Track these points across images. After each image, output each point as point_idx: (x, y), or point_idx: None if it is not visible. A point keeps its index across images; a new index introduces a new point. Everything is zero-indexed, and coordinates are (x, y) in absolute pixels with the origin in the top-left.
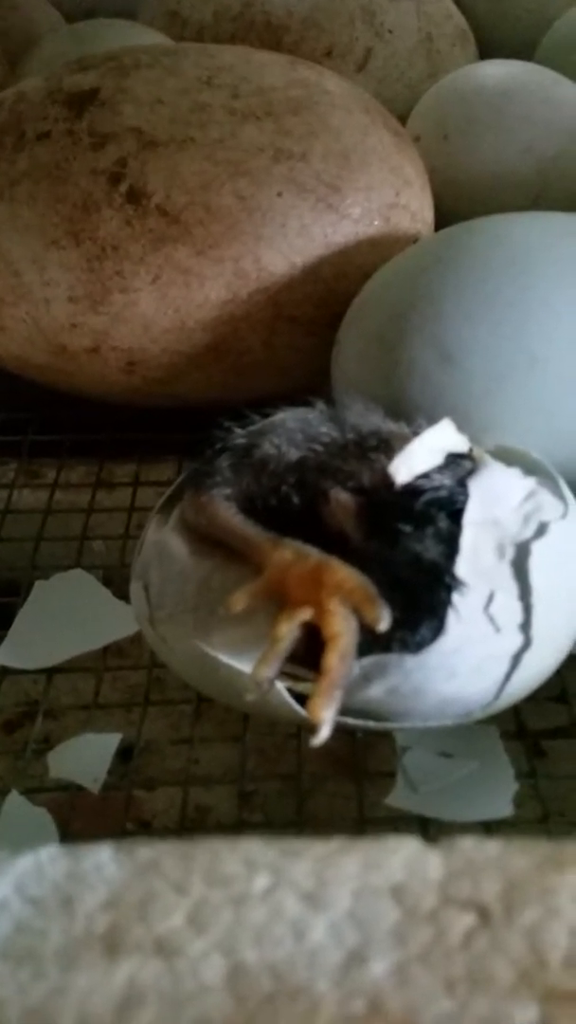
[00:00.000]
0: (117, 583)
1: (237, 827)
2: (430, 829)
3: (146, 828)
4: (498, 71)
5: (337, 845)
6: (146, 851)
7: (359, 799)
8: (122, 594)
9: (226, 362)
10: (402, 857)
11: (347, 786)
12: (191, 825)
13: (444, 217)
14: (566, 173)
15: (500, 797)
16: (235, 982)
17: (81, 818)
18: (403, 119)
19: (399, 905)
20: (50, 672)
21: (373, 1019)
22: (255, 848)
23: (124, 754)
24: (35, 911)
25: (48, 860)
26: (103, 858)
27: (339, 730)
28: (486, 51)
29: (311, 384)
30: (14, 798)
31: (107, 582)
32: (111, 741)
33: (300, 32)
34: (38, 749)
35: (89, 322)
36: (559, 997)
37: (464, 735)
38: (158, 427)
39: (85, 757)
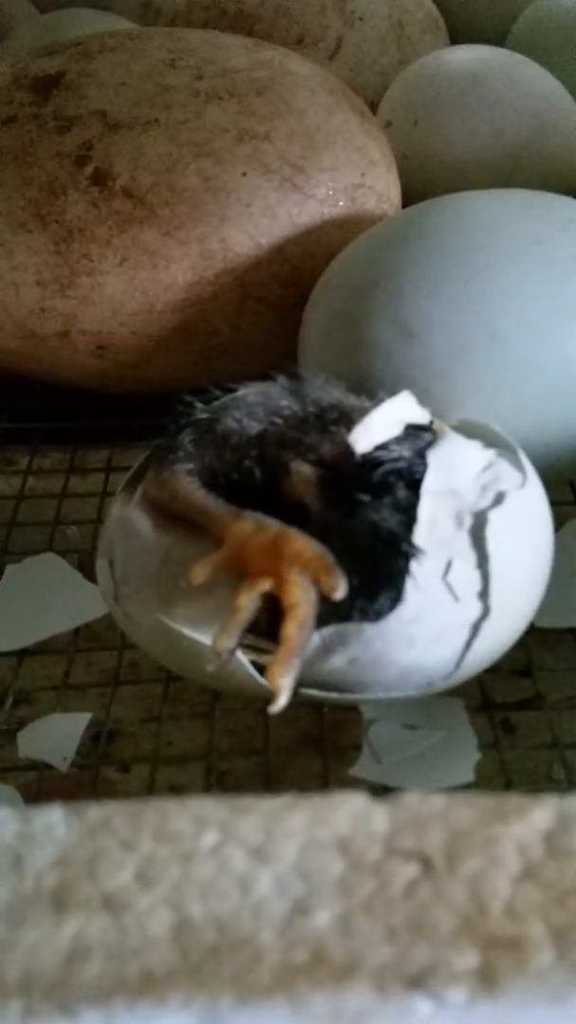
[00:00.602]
0: (91, 567)
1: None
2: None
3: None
4: (467, 55)
5: (286, 801)
6: (97, 811)
7: (325, 774)
8: (94, 577)
9: (195, 344)
10: (348, 811)
11: (316, 761)
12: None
13: (415, 201)
14: (536, 155)
15: (462, 766)
16: (180, 935)
17: (47, 798)
18: (374, 106)
19: (344, 857)
20: (21, 654)
21: (315, 967)
22: (205, 806)
23: (97, 736)
24: None
25: None
26: (54, 819)
27: (306, 704)
28: (457, 38)
29: (281, 365)
30: None
31: (80, 566)
32: (81, 720)
33: (271, 20)
34: (9, 730)
35: (58, 306)
36: (499, 944)
37: (430, 708)
38: (130, 414)
39: (55, 737)
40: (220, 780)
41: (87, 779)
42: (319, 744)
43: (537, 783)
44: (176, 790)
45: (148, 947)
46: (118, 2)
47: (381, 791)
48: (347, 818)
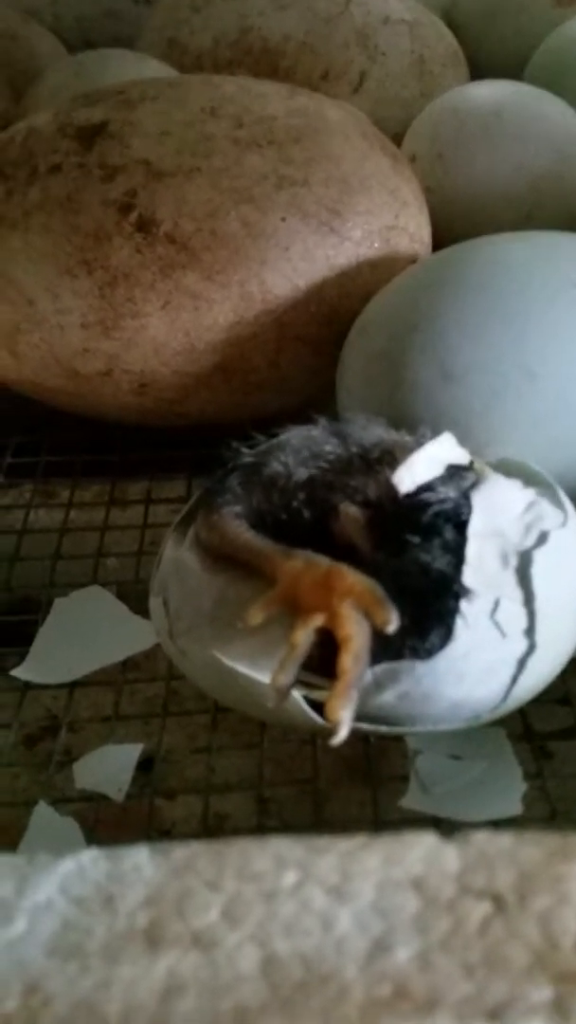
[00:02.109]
0: (132, 598)
1: (256, 832)
2: (442, 828)
3: (167, 836)
4: (489, 91)
5: (359, 842)
6: (181, 851)
7: (374, 802)
8: (138, 609)
9: (234, 381)
10: (420, 851)
11: (361, 790)
12: (210, 832)
13: (440, 233)
14: (557, 189)
15: (510, 797)
16: (269, 971)
17: (103, 827)
18: (398, 138)
19: (419, 896)
20: (72, 686)
21: (398, 1002)
22: (283, 846)
23: (143, 765)
24: (79, 910)
25: (89, 862)
26: (141, 859)
27: (353, 735)
28: (477, 71)
29: (316, 400)
30: (42, 809)
31: (122, 597)
32: (133, 752)
33: (296, 56)
34: (61, 761)
35: (101, 347)
36: (571, 978)
37: (473, 738)
38: (168, 446)
39: (108, 768)
40: (266, 808)
41: (136, 808)
42: (364, 773)
43: None
44: (222, 818)
45: (239, 983)
46: (144, 39)
47: (433, 823)
48: (419, 857)
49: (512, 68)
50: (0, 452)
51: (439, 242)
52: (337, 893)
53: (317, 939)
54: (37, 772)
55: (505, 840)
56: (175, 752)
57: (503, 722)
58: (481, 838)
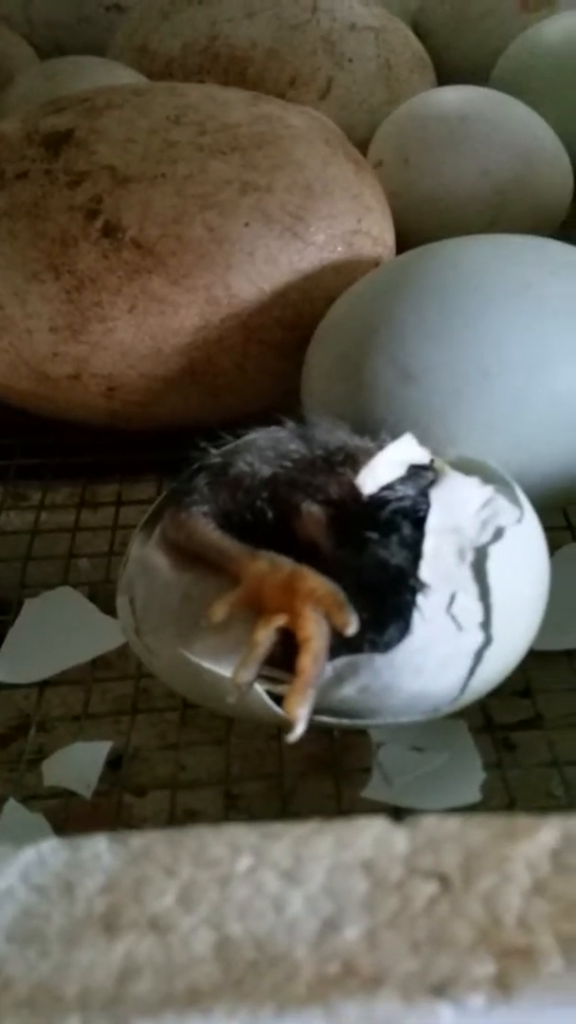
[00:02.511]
0: (103, 599)
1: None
2: (402, 817)
3: (124, 828)
4: (455, 96)
5: (312, 827)
6: (138, 840)
7: (337, 795)
8: (108, 609)
9: (201, 385)
10: (371, 835)
11: (326, 783)
12: (166, 825)
13: (407, 238)
14: (522, 193)
15: (468, 786)
16: (222, 953)
17: (73, 824)
18: (364, 144)
19: (368, 878)
20: (41, 685)
21: (347, 979)
22: (238, 833)
23: (113, 763)
24: (39, 897)
25: (49, 851)
26: (100, 848)
27: (317, 730)
28: (443, 76)
29: (283, 403)
30: (11, 805)
31: (93, 598)
32: (102, 749)
33: (264, 63)
34: (32, 759)
35: (70, 351)
36: (513, 953)
37: (435, 730)
38: (138, 449)
39: (77, 765)
40: (234, 803)
41: (106, 804)
42: (330, 767)
43: (539, 800)
44: (191, 813)
45: (193, 964)
46: (114, 46)
47: (393, 812)
48: (370, 841)
49: (478, 73)
50: None
51: (405, 246)
52: (289, 877)
53: (270, 921)
54: (9, 771)
55: (453, 823)
56: (144, 749)
57: (465, 715)
58: (430, 821)
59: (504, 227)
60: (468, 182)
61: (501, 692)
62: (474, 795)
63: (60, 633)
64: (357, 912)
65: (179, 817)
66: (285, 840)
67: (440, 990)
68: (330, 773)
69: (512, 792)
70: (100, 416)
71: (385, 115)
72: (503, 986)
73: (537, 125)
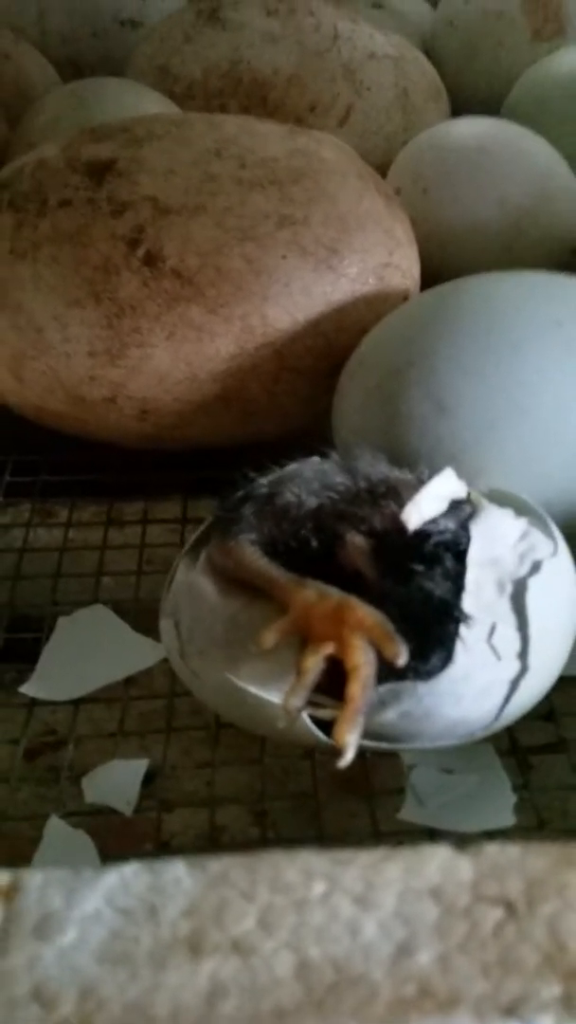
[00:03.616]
0: (132, 616)
1: (257, 844)
2: (437, 839)
3: (166, 848)
4: (473, 128)
5: (380, 854)
6: (216, 864)
7: (371, 815)
8: (139, 627)
9: (233, 409)
10: (437, 862)
11: (357, 803)
12: (207, 845)
13: (424, 264)
14: (536, 222)
15: (501, 808)
16: (303, 974)
17: (116, 840)
18: (381, 169)
19: (437, 903)
20: (76, 703)
21: (423, 1001)
22: (310, 859)
23: (148, 779)
24: (125, 920)
25: (132, 875)
26: (179, 872)
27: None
28: (455, 103)
29: (309, 425)
30: (54, 822)
31: (121, 615)
32: (139, 767)
33: (285, 89)
34: (72, 776)
35: (107, 374)
36: None
37: (464, 752)
38: (163, 467)
39: (116, 782)
40: (265, 821)
41: (137, 821)
42: (361, 787)
43: (564, 821)
44: (219, 830)
45: (276, 986)
46: (134, 65)
47: (433, 835)
48: (436, 868)
49: (490, 101)
50: None
51: (425, 273)
52: (362, 902)
53: (346, 945)
54: (37, 785)
55: (514, 851)
56: (175, 766)
57: (491, 737)
58: (492, 850)
59: (519, 255)
60: (485, 212)
61: (525, 715)
62: (507, 818)
63: (93, 651)
64: (429, 937)
65: (210, 833)
66: (356, 867)
67: (511, 1011)
68: (361, 793)
69: (540, 814)
70: (132, 438)
71: (401, 142)
72: (570, 1006)
73: (551, 156)
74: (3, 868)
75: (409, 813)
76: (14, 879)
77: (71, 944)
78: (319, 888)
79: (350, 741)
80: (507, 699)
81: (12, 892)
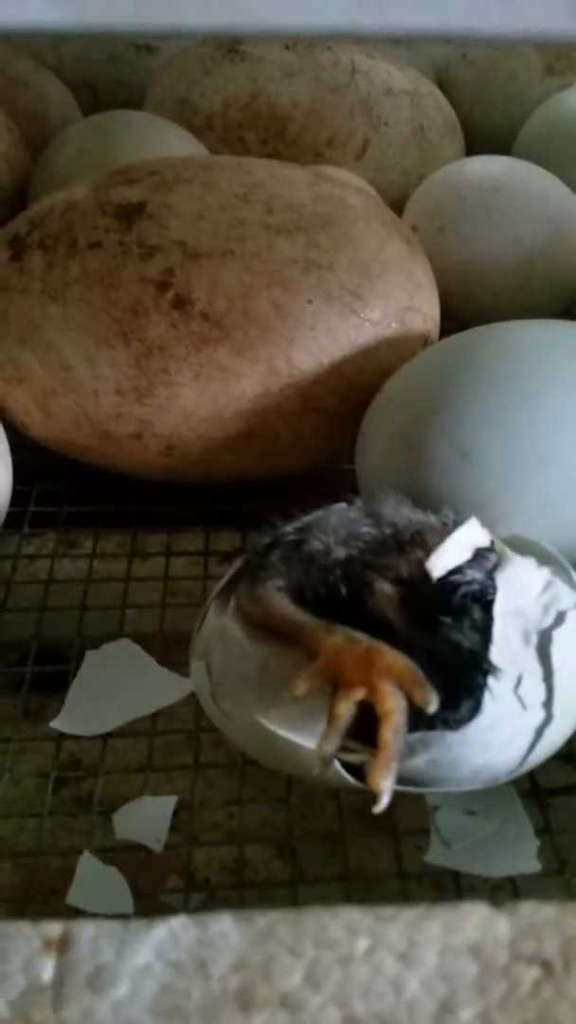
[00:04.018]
0: (157, 650)
1: (282, 881)
2: (461, 880)
3: (191, 882)
4: (489, 167)
5: (421, 911)
6: (262, 919)
7: (396, 854)
8: (164, 661)
9: (257, 446)
10: (475, 920)
11: (381, 842)
12: (235, 880)
13: (441, 300)
14: (551, 261)
15: (525, 853)
16: None
17: (146, 877)
18: (397, 205)
19: (477, 962)
20: (105, 737)
21: None
22: (353, 915)
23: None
24: (175, 973)
25: (180, 928)
26: (226, 926)
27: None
28: (468, 137)
29: (330, 462)
30: (86, 858)
31: (146, 649)
32: (168, 803)
33: (303, 123)
34: (102, 812)
35: (134, 412)
36: None
37: (486, 793)
38: (185, 499)
39: (147, 819)
40: (292, 860)
41: (162, 856)
42: (384, 826)
43: None
44: (245, 864)
45: None
46: (153, 96)
47: (457, 878)
48: (475, 926)
49: (502, 136)
50: (23, 500)
51: (442, 310)
52: (405, 959)
53: (391, 1001)
54: (63, 818)
55: (549, 911)
56: (201, 802)
57: (513, 780)
58: (528, 908)
59: (533, 294)
60: (500, 250)
61: None
62: (532, 864)
63: (121, 686)
64: (469, 994)
65: (236, 871)
66: (398, 923)
67: None
68: (385, 832)
69: (560, 855)
70: (156, 472)
71: (416, 177)
72: None
73: (565, 195)
74: (53, 919)
75: (435, 856)
76: (65, 930)
77: (125, 997)
78: (363, 944)
79: (385, 787)
80: (532, 747)
81: (64, 943)
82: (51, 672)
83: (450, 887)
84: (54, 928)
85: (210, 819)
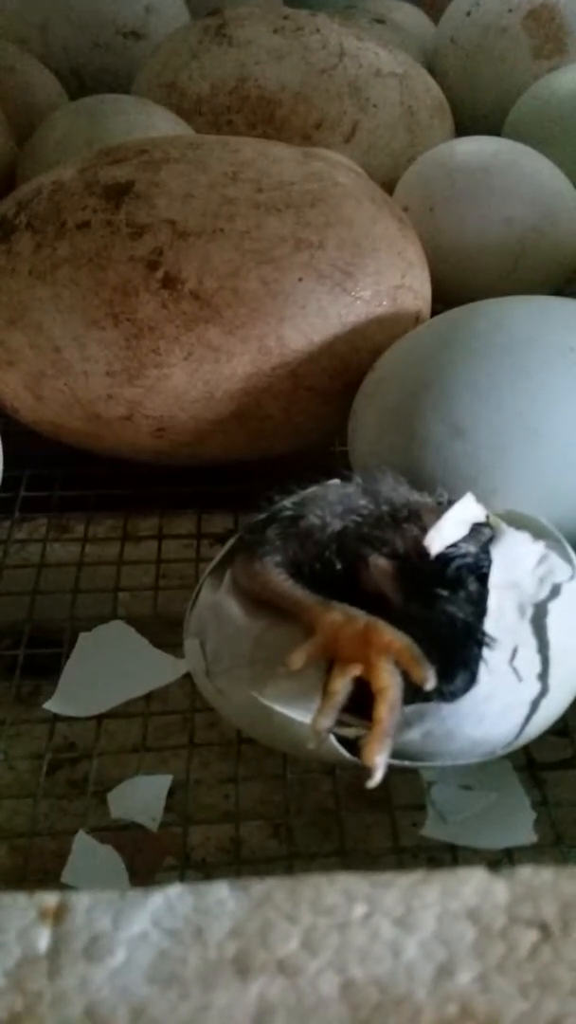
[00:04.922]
0: (150, 632)
1: (278, 858)
2: (458, 855)
3: (187, 862)
4: (479, 148)
5: (418, 877)
6: (258, 887)
7: (392, 829)
8: (158, 643)
9: (248, 427)
10: (473, 885)
11: (377, 817)
12: (230, 859)
13: (432, 280)
14: (541, 242)
15: (522, 826)
16: (348, 994)
17: (142, 855)
18: (386, 186)
19: (475, 925)
20: (99, 719)
21: (465, 1020)
22: (350, 881)
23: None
24: (173, 941)
25: (176, 897)
26: (223, 894)
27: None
28: (458, 119)
29: (321, 444)
30: (82, 838)
31: (140, 631)
32: (163, 782)
33: (291, 106)
34: (97, 792)
35: (124, 393)
36: None
37: (481, 769)
38: (176, 481)
39: (141, 798)
40: (288, 836)
41: (157, 835)
42: (380, 802)
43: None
44: (241, 843)
45: (323, 1005)
46: (140, 81)
47: (454, 851)
48: (473, 891)
49: (491, 118)
50: (14, 486)
51: (434, 290)
52: (403, 924)
53: (389, 965)
54: (58, 800)
55: (547, 875)
56: (196, 781)
57: (508, 754)
58: (526, 872)
59: (523, 274)
60: (491, 231)
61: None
62: (529, 836)
63: (114, 667)
64: (468, 958)
65: (231, 848)
66: (395, 889)
67: None
68: (381, 808)
69: (557, 828)
70: (147, 454)
71: (406, 159)
72: None
73: (556, 176)
74: (49, 890)
75: (432, 830)
76: (61, 900)
77: (121, 965)
78: (360, 910)
79: (379, 762)
80: (527, 719)
81: (60, 913)
82: (44, 655)
83: (447, 862)
84: (50, 898)
85: (206, 799)
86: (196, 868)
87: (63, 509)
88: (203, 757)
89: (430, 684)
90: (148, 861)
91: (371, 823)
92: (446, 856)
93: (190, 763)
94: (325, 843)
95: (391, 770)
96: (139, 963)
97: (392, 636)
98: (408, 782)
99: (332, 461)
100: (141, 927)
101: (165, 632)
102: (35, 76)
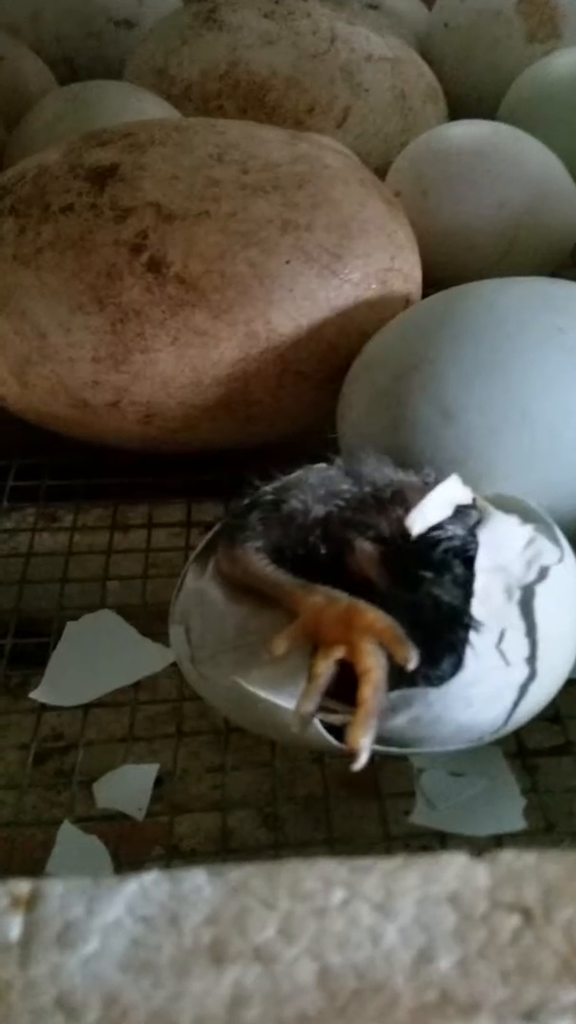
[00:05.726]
0: (139, 621)
1: (267, 847)
2: (447, 843)
3: (176, 851)
4: (472, 131)
5: (399, 862)
6: (236, 873)
7: (381, 817)
8: (146, 632)
9: (237, 412)
10: (454, 869)
11: (366, 806)
12: (218, 848)
13: (424, 264)
14: (535, 226)
15: (511, 812)
16: (325, 981)
17: (128, 845)
18: (379, 171)
19: (456, 911)
20: (86, 708)
21: (444, 1006)
22: (329, 867)
23: (157, 783)
24: (147, 928)
25: (151, 883)
26: (199, 880)
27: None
28: (452, 104)
29: (311, 430)
30: (67, 828)
31: (128, 620)
32: (150, 771)
33: (283, 91)
34: (82, 781)
35: (111, 379)
36: None
37: (472, 755)
38: (166, 470)
39: (127, 787)
40: (276, 825)
41: (145, 825)
42: (369, 790)
43: (574, 822)
44: (230, 833)
45: (299, 993)
46: (131, 68)
47: (439, 837)
48: (454, 875)
49: (485, 102)
50: (1, 475)
51: (426, 274)
52: (382, 910)
53: (367, 952)
54: (46, 790)
55: (529, 858)
56: (185, 770)
57: (499, 741)
58: (508, 856)
59: (517, 258)
60: (484, 215)
61: (532, 718)
62: (518, 822)
63: (102, 656)
64: (448, 943)
65: (219, 837)
66: (375, 874)
67: (531, 1016)
68: (371, 796)
69: (548, 816)
70: (135, 441)
71: (398, 144)
72: None
73: (549, 160)
74: (22, 877)
75: (420, 817)
76: (34, 888)
77: (94, 953)
78: (338, 896)
79: (363, 745)
80: (516, 703)
81: (33, 901)
82: (32, 645)
83: (436, 850)
84: (22, 886)
85: (194, 788)
86: (184, 858)
87: (51, 498)
88: (191, 746)
89: (412, 664)
90: (134, 851)
91: (361, 812)
92: (435, 844)
93: (178, 752)
94: (315, 832)
95: (380, 758)
96: (113, 951)
97: (374, 616)
98: (398, 770)
99: (325, 448)
100: (115, 914)
101: (154, 621)
102: (27, 65)
